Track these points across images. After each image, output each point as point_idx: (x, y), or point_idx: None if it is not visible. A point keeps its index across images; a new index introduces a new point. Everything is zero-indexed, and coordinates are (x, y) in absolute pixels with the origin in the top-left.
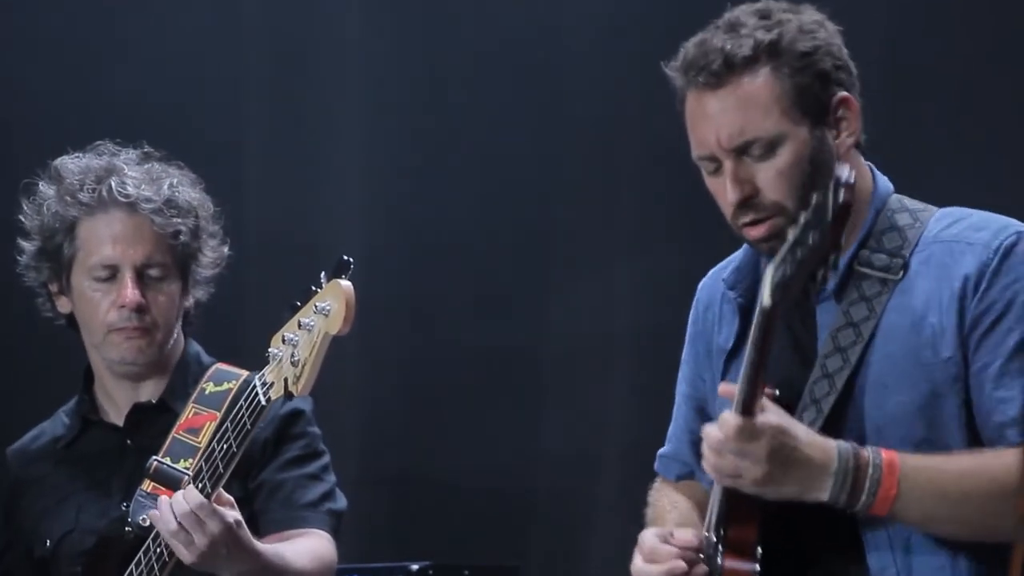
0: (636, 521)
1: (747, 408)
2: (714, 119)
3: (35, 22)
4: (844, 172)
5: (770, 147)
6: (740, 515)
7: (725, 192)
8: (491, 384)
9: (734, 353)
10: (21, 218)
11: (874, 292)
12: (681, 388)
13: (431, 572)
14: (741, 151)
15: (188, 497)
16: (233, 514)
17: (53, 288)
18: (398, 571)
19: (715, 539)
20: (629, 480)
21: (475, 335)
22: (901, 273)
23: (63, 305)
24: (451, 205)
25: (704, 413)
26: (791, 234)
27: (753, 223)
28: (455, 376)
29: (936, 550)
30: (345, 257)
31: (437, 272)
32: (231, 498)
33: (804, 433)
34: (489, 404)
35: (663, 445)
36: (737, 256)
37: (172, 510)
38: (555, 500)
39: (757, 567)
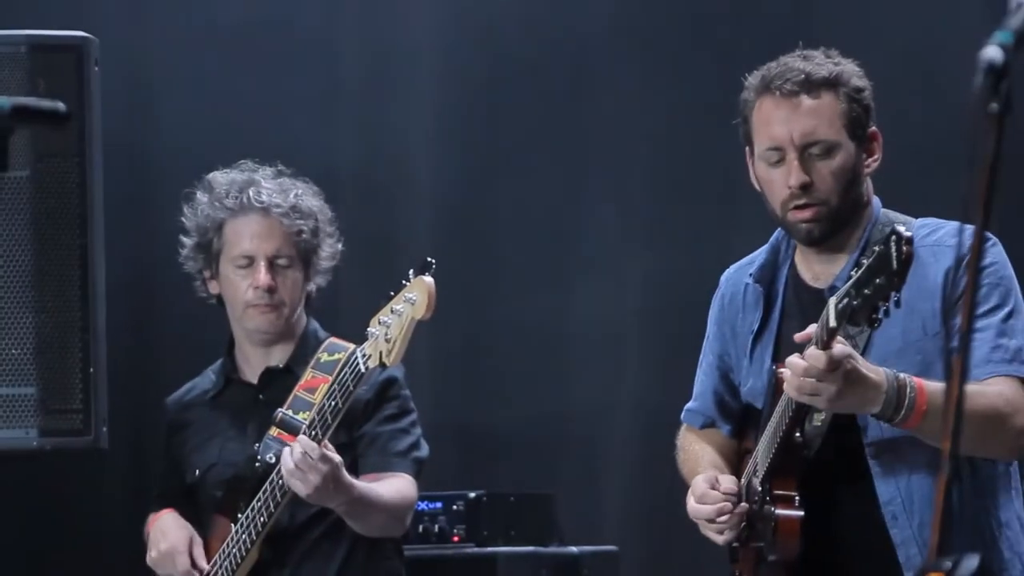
0: (643, 459)
1: (826, 345)
2: (790, 120)
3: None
4: (902, 229)
5: (828, 150)
6: (785, 472)
7: (785, 178)
8: (530, 352)
9: (759, 334)
10: (183, 219)
11: None
12: (708, 358)
13: (484, 498)
14: (806, 147)
15: (303, 444)
16: (336, 457)
17: (206, 274)
18: (459, 498)
19: (761, 490)
20: (638, 427)
21: (518, 313)
22: None
23: (213, 287)
24: (498, 210)
25: (728, 379)
26: (855, 273)
27: (803, 207)
28: (502, 345)
29: (930, 482)
30: (428, 259)
31: (489, 264)
32: (332, 448)
33: (862, 360)
34: (529, 367)
35: (665, 400)
36: (760, 256)
37: (292, 455)
38: (581, 443)
39: (803, 513)
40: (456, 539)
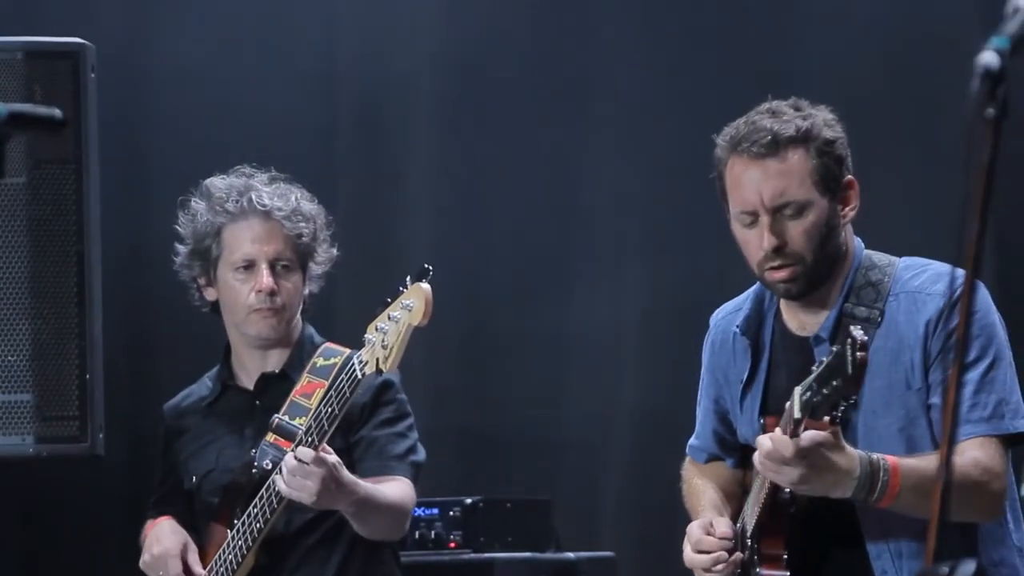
0: (640, 465)
1: (792, 433)
2: (759, 182)
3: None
4: (859, 333)
5: (800, 210)
6: (772, 529)
7: (759, 241)
8: (528, 358)
9: (748, 385)
10: (177, 227)
11: None
12: (705, 402)
13: (481, 504)
14: (778, 210)
15: (298, 454)
16: (333, 458)
17: (202, 281)
18: (456, 504)
19: (750, 546)
20: (635, 433)
21: (516, 319)
22: (879, 320)
23: (210, 294)
24: (497, 215)
25: (726, 420)
26: (815, 369)
27: (778, 267)
28: (500, 351)
29: (919, 551)
30: (426, 265)
31: (487, 272)
32: (330, 450)
33: (833, 445)
34: (527, 374)
35: (663, 405)
36: (746, 306)
37: (286, 467)
38: (578, 449)
39: (788, 573)
40: (453, 545)
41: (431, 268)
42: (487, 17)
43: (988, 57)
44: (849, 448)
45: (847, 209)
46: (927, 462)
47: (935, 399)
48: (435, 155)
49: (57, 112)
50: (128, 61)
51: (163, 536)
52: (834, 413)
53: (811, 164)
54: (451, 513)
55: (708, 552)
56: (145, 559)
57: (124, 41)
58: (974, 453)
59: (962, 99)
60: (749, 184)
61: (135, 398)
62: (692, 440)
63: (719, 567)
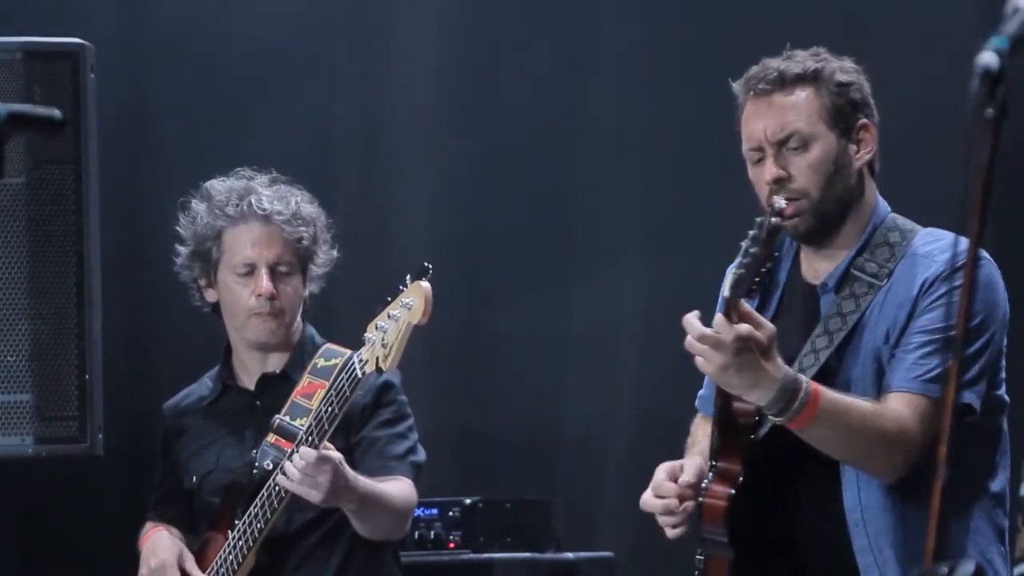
0: (642, 465)
1: (727, 314)
2: (764, 117)
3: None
4: (779, 201)
5: (804, 143)
6: (729, 449)
7: (764, 175)
8: (526, 358)
9: None
10: (177, 228)
11: (862, 292)
12: None
13: (481, 504)
14: (781, 143)
15: (302, 454)
16: (335, 454)
17: (202, 283)
18: (455, 504)
19: (710, 464)
20: (636, 432)
21: (515, 319)
22: (886, 280)
23: (210, 296)
24: (496, 216)
25: None
26: (744, 243)
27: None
28: (499, 351)
29: (881, 492)
30: (425, 263)
31: (487, 272)
32: (331, 447)
33: (765, 349)
34: (526, 373)
35: (663, 405)
36: None
37: (295, 466)
38: (579, 448)
39: (732, 491)
40: (452, 545)
41: (430, 266)
42: (487, 19)
43: (988, 57)
44: (779, 359)
45: (862, 152)
46: (852, 401)
47: (897, 350)
48: (435, 155)
49: (57, 112)
50: (128, 61)
51: (159, 548)
52: (752, 288)
53: (819, 102)
54: (451, 513)
55: (663, 497)
56: (143, 572)
57: (123, 41)
58: (898, 407)
59: (962, 99)
60: (755, 119)
61: (135, 398)
62: (701, 391)
63: (668, 518)
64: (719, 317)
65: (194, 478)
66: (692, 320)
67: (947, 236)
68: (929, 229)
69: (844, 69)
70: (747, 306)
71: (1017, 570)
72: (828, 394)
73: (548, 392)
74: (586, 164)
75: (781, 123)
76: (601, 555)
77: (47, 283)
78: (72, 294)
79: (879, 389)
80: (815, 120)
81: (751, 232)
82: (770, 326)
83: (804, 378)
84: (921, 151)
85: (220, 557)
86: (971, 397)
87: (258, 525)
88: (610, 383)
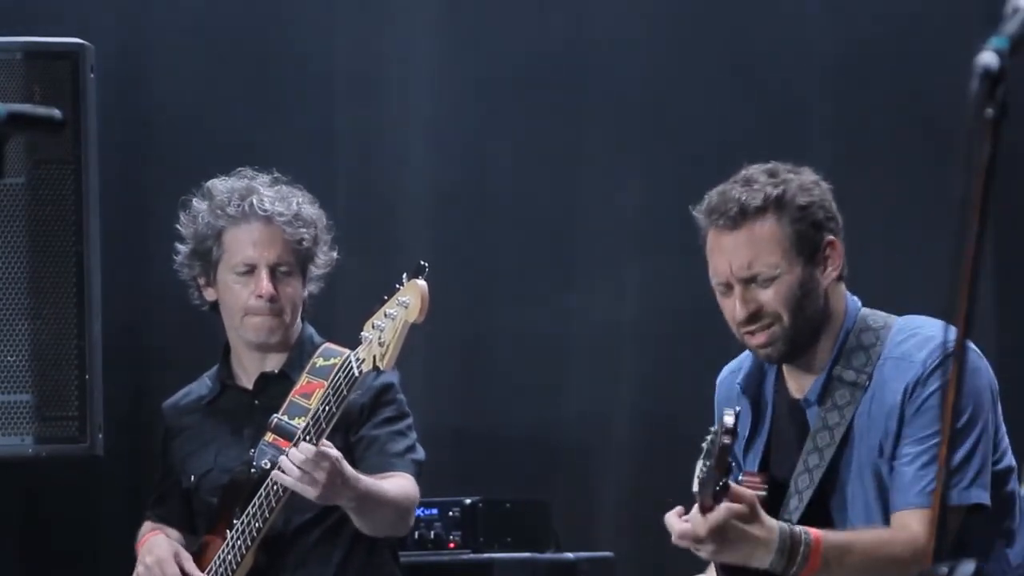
0: (639, 465)
1: (705, 508)
2: (729, 253)
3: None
4: (729, 420)
5: (771, 279)
6: None
7: (734, 310)
8: (526, 358)
9: (748, 445)
10: (179, 227)
11: (845, 401)
12: None
13: (480, 504)
14: (748, 280)
15: (301, 449)
16: (334, 451)
17: (201, 281)
18: (455, 504)
19: None
20: (634, 434)
21: (514, 320)
22: (868, 385)
23: (209, 295)
24: (494, 216)
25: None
26: (704, 445)
27: (755, 332)
28: (498, 352)
29: None
30: (422, 262)
31: (485, 271)
32: (330, 444)
33: (750, 518)
34: (525, 374)
35: (663, 405)
36: (746, 364)
37: (292, 463)
38: (577, 449)
39: None
40: (452, 545)
41: (427, 265)
42: (486, 17)
43: (987, 57)
44: (768, 519)
45: (828, 271)
46: (856, 536)
47: (895, 463)
48: (434, 155)
49: (56, 112)
50: (128, 61)
51: (155, 547)
52: (715, 490)
53: (782, 232)
54: (450, 513)
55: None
56: (139, 570)
57: (123, 41)
58: (909, 525)
59: (962, 99)
60: (720, 255)
61: (135, 398)
62: None
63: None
64: (693, 514)
65: (192, 477)
66: (670, 521)
67: (921, 328)
68: (901, 322)
69: (804, 187)
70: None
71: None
72: (829, 537)
73: (548, 392)
74: (586, 164)
75: (746, 261)
76: (601, 555)
77: (47, 283)
78: (72, 294)
79: (882, 503)
80: (779, 253)
81: (704, 444)
82: (749, 494)
83: (802, 529)
84: (921, 151)
85: (219, 557)
86: (979, 494)
87: (256, 524)
88: (610, 383)
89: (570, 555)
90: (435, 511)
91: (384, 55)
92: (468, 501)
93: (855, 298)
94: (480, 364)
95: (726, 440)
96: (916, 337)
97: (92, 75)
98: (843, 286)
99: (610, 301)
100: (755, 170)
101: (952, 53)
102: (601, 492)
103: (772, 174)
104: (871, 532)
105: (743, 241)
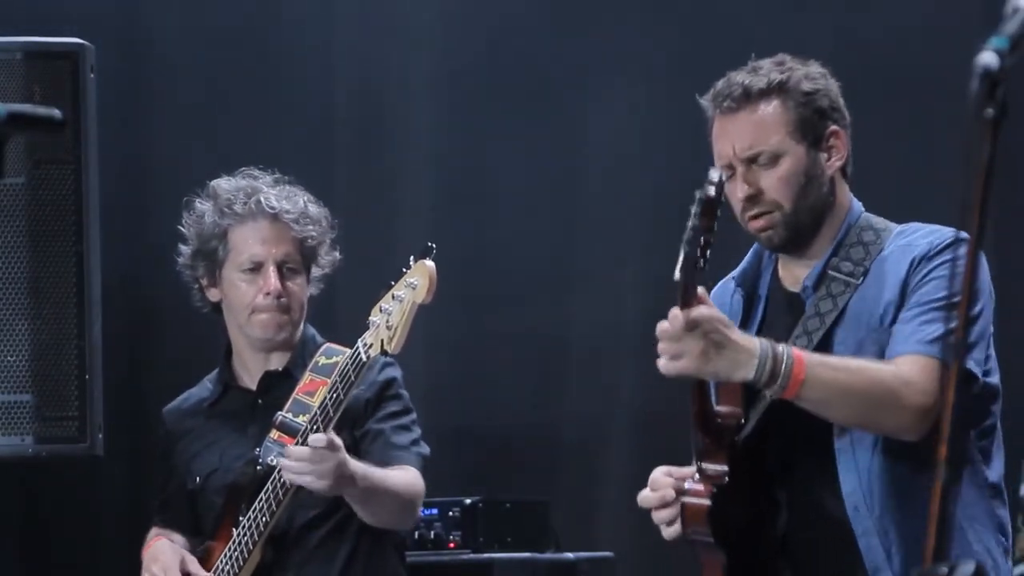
0: (641, 465)
1: (685, 303)
2: (731, 136)
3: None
4: (714, 174)
5: (773, 159)
6: (711, 451)
7: (736, 192)
8: (528, 360)
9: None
10: (181, 227)
11: (839, 291)
12: None
13: (480, 504)
14: (751, 160)
15: (312, 441)
16: (339, 441)
17: (204, 282)
18: (456, 504)
19: (696, 469)
20: (634, 436)
21: (515, 320)
22: (862, 279)
23: (213, 295)
24: (498, 218)
25: None
26: (689, 222)
27: (755, 216)
28: (499, 352)
29: (890, 473)
30: (429, 243)
31: (487, 271)
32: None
33: (728, 325)
34: (525, 375)
35: (663, 405)
36: (744, 262)
37: (298, 453)
38: (577, 450)
39: (714, 490)
40: (452, 545)
41: (434, 246)
42: (486, 14)
43: (987, 57)
44: (746, 333)
45: (833, 159)
46: (838, 359)
47: (895, 325)
48: (434, 155)
49: (56, 112)
50: (128, 61)
51: (160, 553)
52: (701, 265)
53: (786, 115)
54: (450, 513)
55: (657, 491)
56: None
57: (123, 41)
58: (900, 365)
59: (962, 99)
60: (724, 138)
61: (135, 398)
62: None
63: (664, 512)
64: (675, 309)
65: (197, 478)
66: (660, 324)
67: (922, 227)
68: (904, 225)
69: (810, 76)
70: (701, 290)
71: (1017, 570)
72: (811, 354)
73: (548, 392)
74: (587, 164)
75: (749, 141)
76: (601, 555)
77: (47, 283)
78: (72, 294)
79: None
80: (783, 135)
81: (692, 208)
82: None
83: (783, 346)
84: (921, 151)
85: (225, 554)
86: (971, 364)
87: (263, 520)
88: (610, 384)
89: (570, 555)
90: (435, 511)
91: (384, 55)
92: (468, 501)
93: (859, 202)
94: (480, 364)
95: (711, 192)
96: (922, 229)
97: (92, 75)
98: (847, 185)
99: (611, 301)
100: (764, 60)
101: (952, 53)
102: (601, 492)
103: (779, 63)
104: (858, 359)
105: (746, 122)
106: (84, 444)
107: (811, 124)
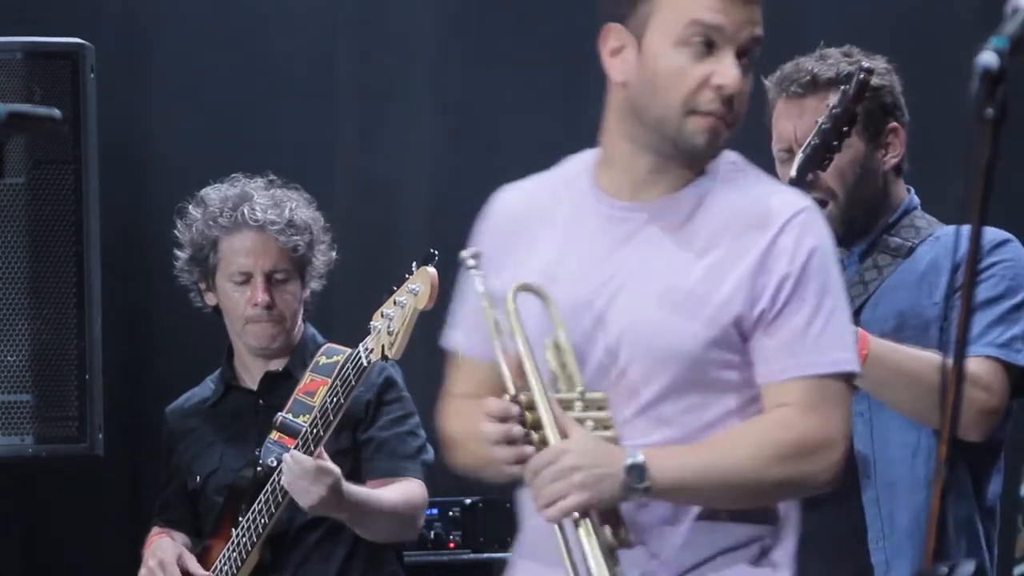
0: None
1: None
2: (794, 120)
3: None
4: (867, 62)
5: None
6: None
7: (792, 173)
8: None
9: None
10: (176, 233)
11: (885, 263)
12: None
13: (481, 504)
14: None
15: (296, 459)
16: (335, 469)
17: (202, 286)
18: (455, 504)
19: None
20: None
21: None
22: (909, 253)
23: (210, 299)
24: None
25: None
26: (819, 121)
27: None
28: None
29: (912, 512)
30: (432, 250)
31: None
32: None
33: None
34: None
35: None
36: None
37: (291, 469)
38: None
39: None
40: (452, 545)
41: (436, 252)
42: (488, 15)
43: (987, 57)
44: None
45: (889, 156)
46: (906, 348)
47: (948, 323)
48: (434, 153)
49: (56, 112)
50: (128, 61)
51: (159, 549)
52: (824, 159)
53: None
54: (451, 513)
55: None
56: (142, 573)
57: (123, 41)
58: (969, 363)
59: (962, 99)
60: (786, 121)
61: (135, 398)
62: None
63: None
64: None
65: (198, 478)
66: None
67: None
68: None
69: (876, 72)
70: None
71: (1017, 570)
72: (878, 338)
73: None
74: None
75: (810, 128)
76: None
77: (47, 283)
78: (72, 294)
79: (924, 341)
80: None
81: (831, 102)
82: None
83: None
84: (921, 151)
85: (224, 554)
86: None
87: (262, 521)
88: None
89: None
90: (435, 511)
91: (384, 55)
92: (468, 501)
93: (917, 198)
94: None
95: (864, 75)
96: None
97: (92, 75)
98: (902, 180)
99: None
100: (832, 49)
101: (952, 53)
102: None
103: (847, 54)
104: (919, 350)
105: (812, 108)
106: (84, 444)
107: (872, 119)
